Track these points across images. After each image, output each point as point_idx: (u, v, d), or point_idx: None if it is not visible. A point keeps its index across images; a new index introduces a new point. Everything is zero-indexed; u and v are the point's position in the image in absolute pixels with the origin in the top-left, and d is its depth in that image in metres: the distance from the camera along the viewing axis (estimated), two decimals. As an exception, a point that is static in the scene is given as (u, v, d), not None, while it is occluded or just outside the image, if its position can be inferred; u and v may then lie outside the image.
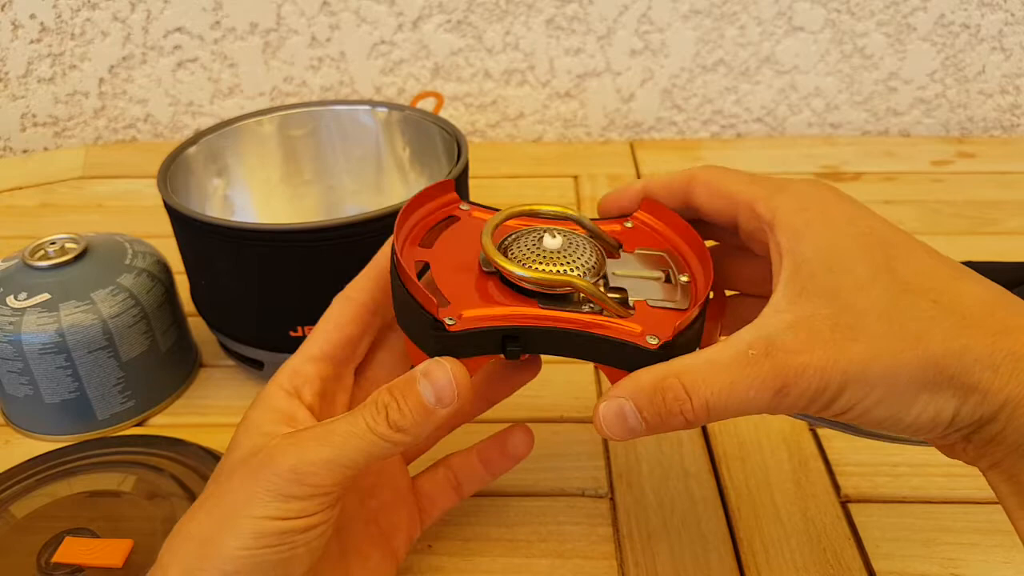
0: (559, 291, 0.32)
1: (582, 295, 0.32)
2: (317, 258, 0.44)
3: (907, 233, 0.29)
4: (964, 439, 0.28)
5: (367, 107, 0.57)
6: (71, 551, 0.39)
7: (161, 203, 0.47)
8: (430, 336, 0.31)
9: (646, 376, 0.29)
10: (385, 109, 0.57)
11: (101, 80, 0.83)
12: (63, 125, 0.85)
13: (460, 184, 0.49)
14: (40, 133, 0.85)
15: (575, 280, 0.31)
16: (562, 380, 0.51)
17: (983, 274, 0.56)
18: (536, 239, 0.33)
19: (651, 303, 0.32)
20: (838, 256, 0.28)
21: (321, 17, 0.81)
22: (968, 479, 0.44)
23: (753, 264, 0.33)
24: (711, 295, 0.33)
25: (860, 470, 0.45)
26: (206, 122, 0.86)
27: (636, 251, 0.35)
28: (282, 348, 0.48)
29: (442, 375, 0.29)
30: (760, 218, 0.30)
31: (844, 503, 0.43)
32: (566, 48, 0.82)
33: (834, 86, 0.84)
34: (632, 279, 0.33)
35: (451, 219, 0.36)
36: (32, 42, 0.80)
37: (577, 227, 0.35)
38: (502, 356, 0.32)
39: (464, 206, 0.37)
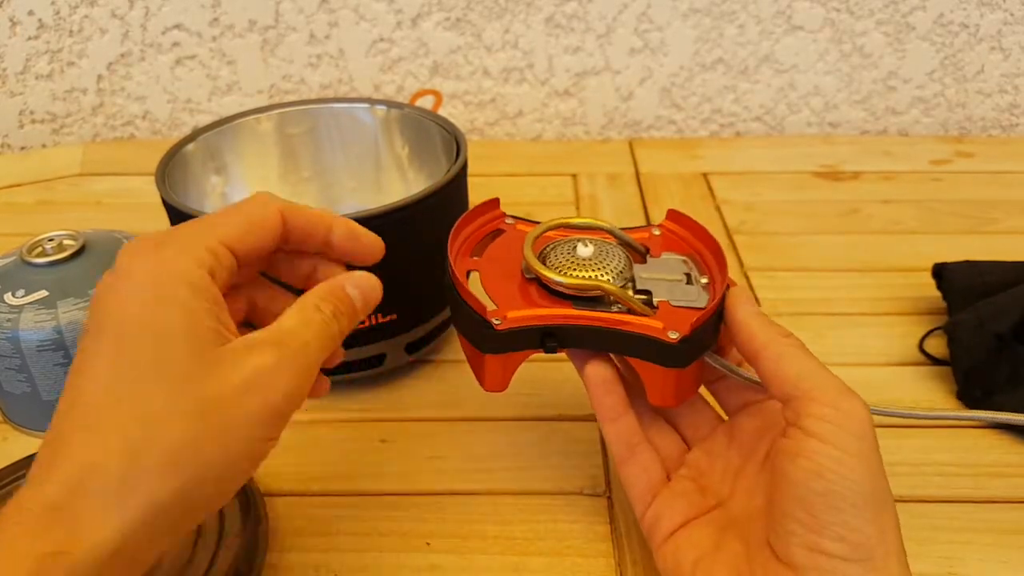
0: (591, 294, 0.37)
1: (611, 297, 0.36)
2: None
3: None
4: None
5: (366, 105, 0.57)
6: (68, 548, 0.39)
7: (159, 200, 0.47)
8: (480, 334, 0.36)
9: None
10: (384, 107, 0.57)
11: (99, 77, 0.83)
12: (61, 122, 0.85)
13: (459, 181, 0.49)
14: (38, 130, 0.85)
15: (604, 284, 0.36)
16: (560, 379, 0.51)
17: (981, 274, 0.56)
18: (571, 248, 0.38)
19: (673, 303, 0.37)
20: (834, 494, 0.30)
21: (320, 15, 0.80)
22: (964, 479, 0.44)
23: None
24: (727, 293, 0.37)
25: (858, 469, 0.45)
26: (204, 120, 0.86)
27: (662, 255, 0.40)
28: None
29: (366, 282, 0.33)
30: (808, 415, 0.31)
31: (842, 502, 0.43)
32: (565, 46, 0.82)
33: (833, 85, 0.84)
34: (656, 281, 0.38)
35: (498, 231, 0.42)
36: (30, 39, 0.80)
37: (608, 236, 0.40)
38: (542, 351, 0.36)
39: (509, 219, 0.42)
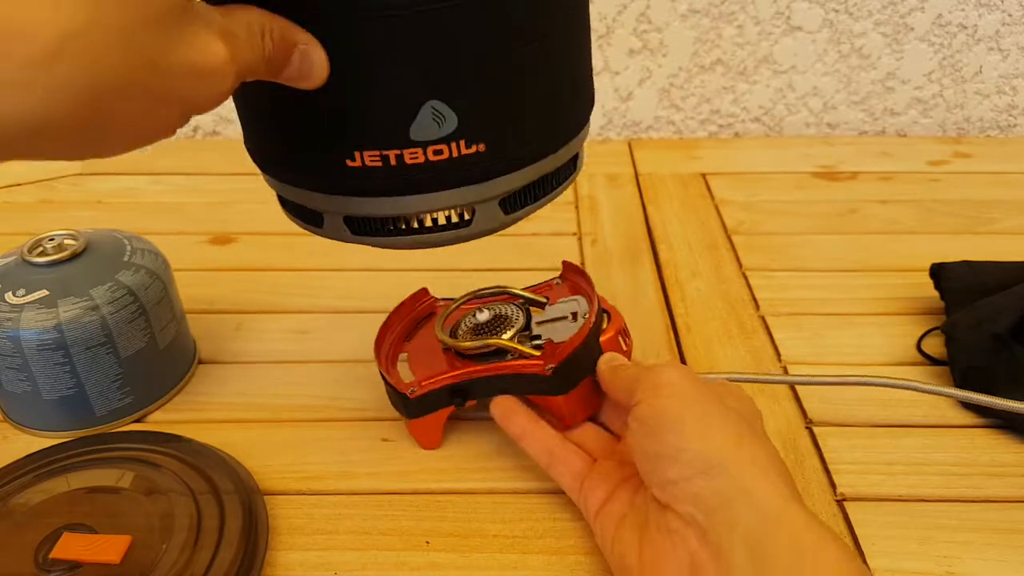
0: (491, 350, 0.44)
1: (506, 348, 0.44)
2: (377, 39, 0.31)
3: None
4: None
5: None
6: (69, 547, 0.39)
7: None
8: (402, 403, 0.46)
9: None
10: None
11: (99, 77, 0.83)
12: (61, 122, 0.85)
13: None
14: (38, 130, 0.85)
15: (493, 340, 0.44)
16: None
17: (979, 274, 0.56)
18: (472, 317, 0.46)
19: (555, 340, 0.44)
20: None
21: (320, 15, 0.80)
22: (963, 478, 0.44)
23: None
24: (604, 324, 0.45)
25: (855, 468, 0.45)
26: (204, 119, 0.86)
27: (558, 301, 0.48)
28: (341, 188, 0.35)
29: (317, 54, 0.30)
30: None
31: (840, 502, 0.43)
32: (564, 47, 0.82)
33: (831, 86, 0.84)
34: (547, 324, 0.46)
35: (431, 314, 0.51)
36: (30, 39, 0.80)
37: (513, 297, 0.48)
38: (454, 407, 0.45)
39: (441, 302, 0.51)
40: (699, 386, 0.36)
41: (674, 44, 0.82)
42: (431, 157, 0.33)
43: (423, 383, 0.44)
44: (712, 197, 0.74)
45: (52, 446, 0.46)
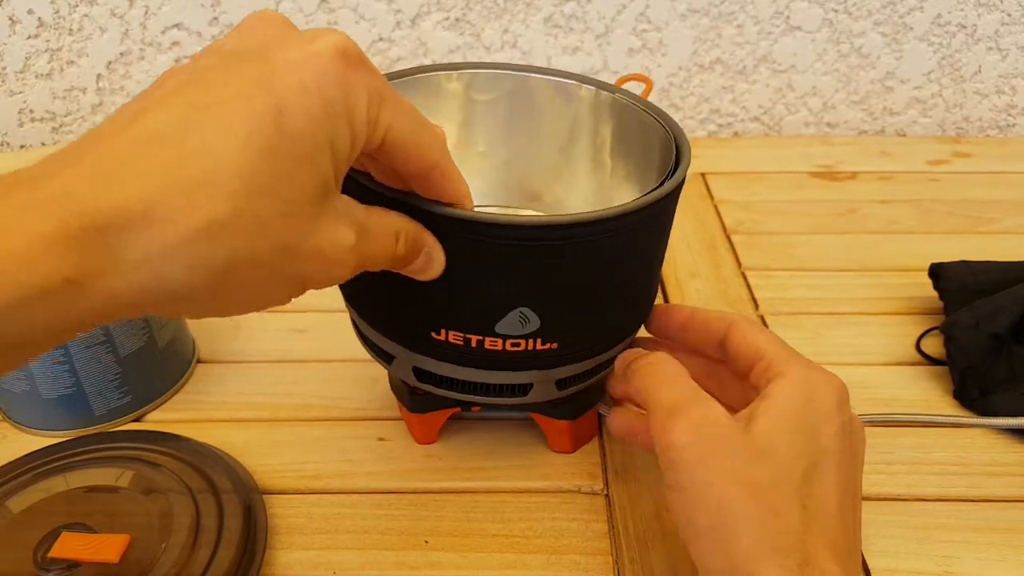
0: None
1: None
2: (491, 259, 0.35)
3: (843, 453, 0.33)
4: None
5: (574, 81, 0.47)
6: (68, 546, 0.39)
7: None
8: (407, 395, 0.45)
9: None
10: (593, 87, 0.46)
11: (99, 76, 0.83)
12: (61, 121, 0.85)
13: (671, 200, 0.38)
14: (38, 128, 0.85)
15: None
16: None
17: (977, 274, 0.56)
18: None
19: None
20: (783, 447, 0.32)
21: (319, 14, 0.81)
22: (962, 478, 0.44)
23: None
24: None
25: (855, 468, 0.45)
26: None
27: None
28: (420, 349, 0.39)
29: (439, 257, 0.34)
30: (766, 376, 0.36)
31: (839, 500, 0.43)
32: (564, 46, 0.82)
33: (831, 85, 0.84)
34: None
35: None
36: (30, 37, 0.80)
37: None
38: (459, 409, 0.45)
39: None
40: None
41: (673, 43, 0.82)
42: (508, 347, 0.38)
43: None
44: (711, 196, 0.74)
45: (51, 445, 0.46)
